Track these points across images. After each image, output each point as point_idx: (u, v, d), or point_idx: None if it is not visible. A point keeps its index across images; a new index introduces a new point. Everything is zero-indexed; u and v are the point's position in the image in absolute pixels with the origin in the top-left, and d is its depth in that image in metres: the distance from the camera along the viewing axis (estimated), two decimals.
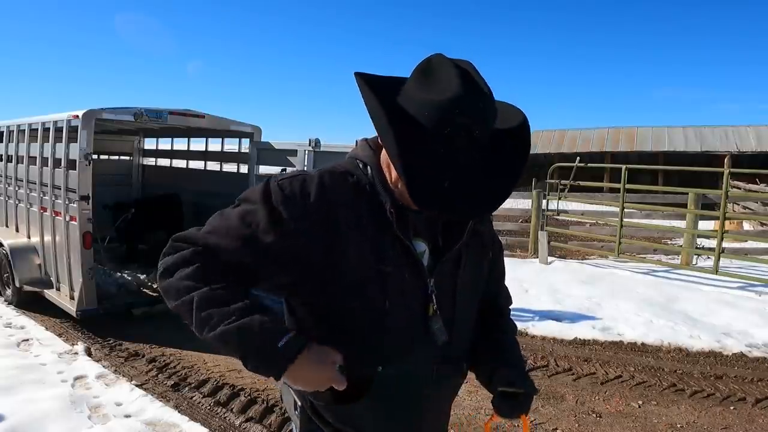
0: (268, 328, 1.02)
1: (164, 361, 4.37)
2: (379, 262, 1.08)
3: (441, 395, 1.28)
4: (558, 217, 9.56)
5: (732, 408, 3.75)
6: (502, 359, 1.26)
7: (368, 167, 1.14)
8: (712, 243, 7.80)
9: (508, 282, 1.44)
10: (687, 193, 8.20)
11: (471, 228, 1.18)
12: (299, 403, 1.23)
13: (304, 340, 1.04)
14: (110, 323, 5.07)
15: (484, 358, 1.28)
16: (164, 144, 8.35)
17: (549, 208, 8.85)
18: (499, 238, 1.38)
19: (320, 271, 1.07)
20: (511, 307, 1.44)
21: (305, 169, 5.11)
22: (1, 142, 6.27)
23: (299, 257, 1.06)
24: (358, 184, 1.12)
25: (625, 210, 8.11)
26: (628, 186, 8.04)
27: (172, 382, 3.96)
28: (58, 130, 5.05)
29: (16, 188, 5.99)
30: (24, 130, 5.72)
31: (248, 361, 1.02)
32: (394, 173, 1.08)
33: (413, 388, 1.18)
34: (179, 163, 8.21)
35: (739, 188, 13.07)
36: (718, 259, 6.97)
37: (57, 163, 5.07)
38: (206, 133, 6.93)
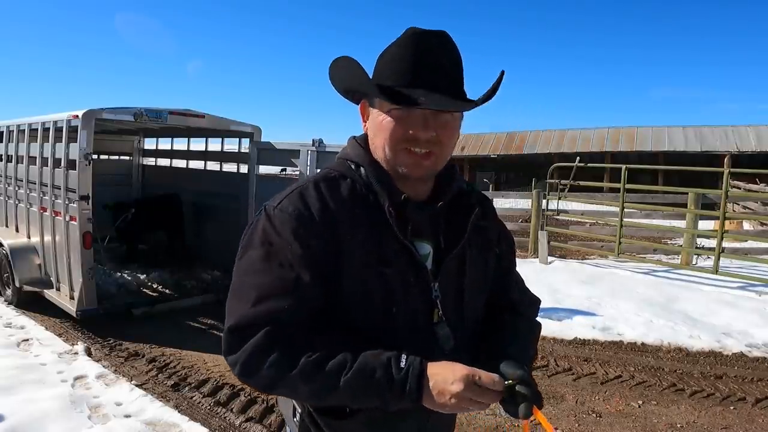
0: (383, 358, 0.98)
1: (164, 361, 4.37)
2: (381, 265, 1.06)
3: None
4: (558, 217, 9.57)
5: (732, 408, 3.75)
6: (498, 356, 1.12)
7: (361, 167, 1.12)
8: (712, 243, 7.79)
9: None
10: (687, 193, 8.19)
11: (473, 223, 1.15)
12: (299, 410, 1.18)
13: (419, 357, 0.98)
14: (110, 323, 5.07)
15: (482, 359, 1.21)
16: (164, 144, 8.35)
17: (549, 208, 8.85)
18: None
19: (329, 277, 1.05)
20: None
21: (308, 169, 5.12)
22: (1, 142, 6.28)
23: (319, 268, 1.04)
24: (353, 187, 1.09)
25: (625, 210, 8.11)
26: (628, 186, 8.03)
27: (172, 382, 3.96)
28: (58, 130, 5.05)
29: (16, 188, 5.99)
30: (24, 130, 5.72)
31: (388, 403, 0.97)
32: (388, 152, 1.07)
33: None
34: (179, 163, 8.21)
35: (739, 188, 13.08)
36: (718, 259, 6.97)
37: (57, 163, 5.07)
38: (206, 133, 6.93)
